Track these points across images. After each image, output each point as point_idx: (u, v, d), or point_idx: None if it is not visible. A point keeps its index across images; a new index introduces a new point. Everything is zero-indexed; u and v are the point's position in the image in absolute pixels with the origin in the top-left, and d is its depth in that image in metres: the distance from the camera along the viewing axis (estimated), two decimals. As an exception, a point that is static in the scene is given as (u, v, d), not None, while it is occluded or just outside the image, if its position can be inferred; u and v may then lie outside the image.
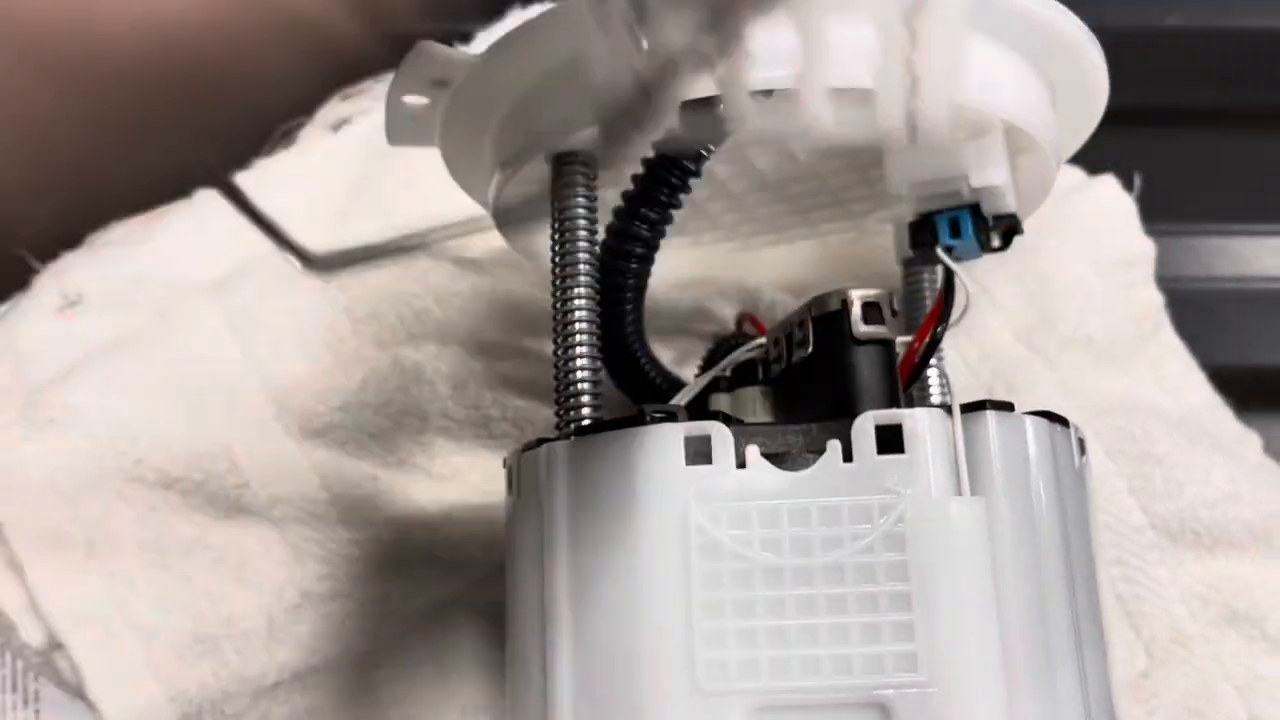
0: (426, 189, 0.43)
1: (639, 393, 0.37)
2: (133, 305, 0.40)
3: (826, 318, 0.29)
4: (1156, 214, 0.44)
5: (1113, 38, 0.50)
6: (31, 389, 0.39)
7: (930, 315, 0.32)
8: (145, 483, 0.37)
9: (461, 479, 0.39)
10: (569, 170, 0.31)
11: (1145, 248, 0.43)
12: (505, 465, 0.32)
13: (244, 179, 0.44)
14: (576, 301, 0.30)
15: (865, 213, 0.39)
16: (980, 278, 0.41)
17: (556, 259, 0.31)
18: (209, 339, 0.39)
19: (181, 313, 0.40)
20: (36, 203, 0.30)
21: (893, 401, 0.28)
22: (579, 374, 0.30)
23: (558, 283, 0.31)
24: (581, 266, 0.31)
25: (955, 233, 0.34)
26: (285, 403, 0.38)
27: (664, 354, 0.40)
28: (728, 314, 0.41)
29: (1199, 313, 0.45)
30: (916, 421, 0.25)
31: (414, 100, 0.32)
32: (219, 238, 0.43)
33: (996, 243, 0.33)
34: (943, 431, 0.26)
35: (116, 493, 0.36)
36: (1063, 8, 0.29)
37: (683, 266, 0.42)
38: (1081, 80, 0.32)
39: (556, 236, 0.31)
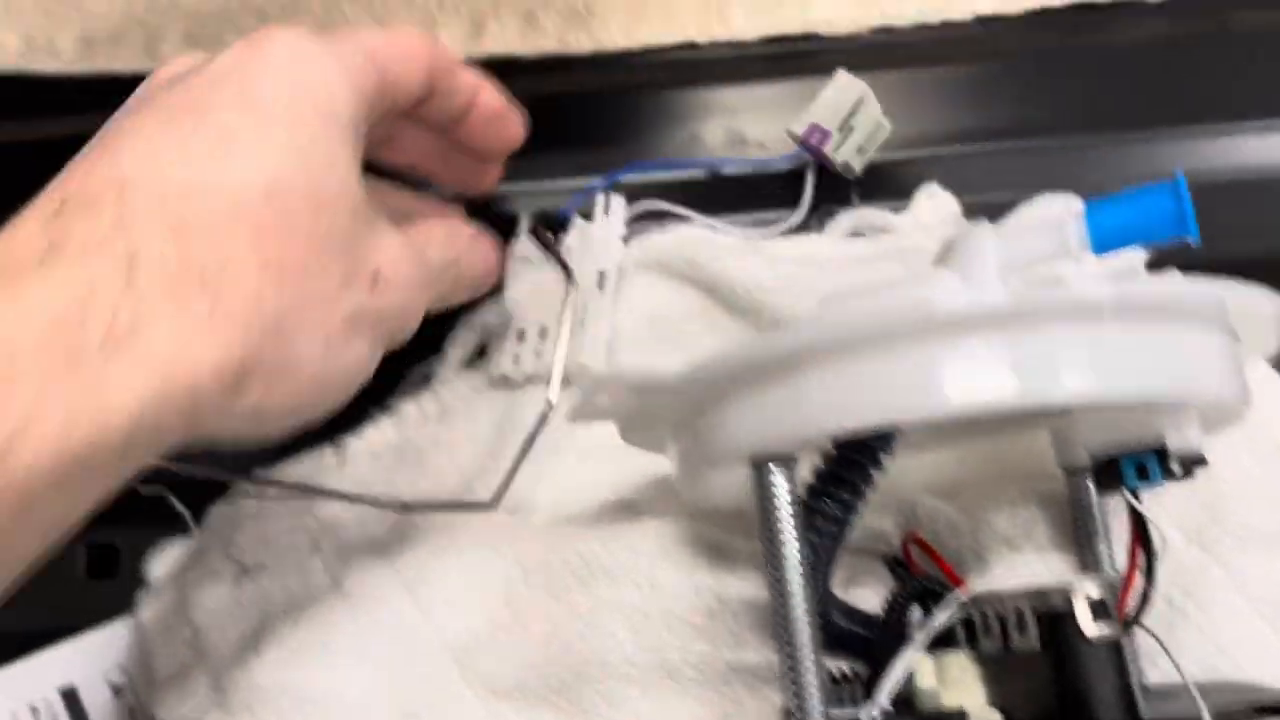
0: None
1: (831, 642, 0.37)
2: (306, 571, 0.41)
3: (1051, 617, 0.29)
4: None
5: (1244, 185, 0.49)
6: (214, 667, 0.40)
7: (1130, 570, 0.32)
8: (343, 761, 0.37)
9: (648, 727, 0.39)
10: (770, 471, 0.32)
11: (1303, 427, 0.43)
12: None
13: (386, 425, 0.45)
14: (796, 611, 0.31)
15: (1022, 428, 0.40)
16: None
17: (770, 565, 0.31)
18: (386, 602, 0.40)
19: (355, 576, 0.40)
20: None
21: (1130, 709, 0.28)
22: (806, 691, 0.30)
23: (776, 592, 0.31)
24: (795, 571, 0.31)
25: (1142, 475, 0.34)
26: (469, 663, 0.39)
27: (834, 576, 0.40)
28: (886, 526, 0.41)
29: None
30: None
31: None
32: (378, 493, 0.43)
33: (1179, 472, 0.34)
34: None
35: (320, 776, 0.37)
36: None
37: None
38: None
39: (767, 542, 0.31)
